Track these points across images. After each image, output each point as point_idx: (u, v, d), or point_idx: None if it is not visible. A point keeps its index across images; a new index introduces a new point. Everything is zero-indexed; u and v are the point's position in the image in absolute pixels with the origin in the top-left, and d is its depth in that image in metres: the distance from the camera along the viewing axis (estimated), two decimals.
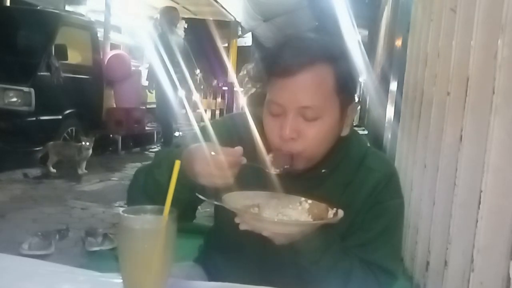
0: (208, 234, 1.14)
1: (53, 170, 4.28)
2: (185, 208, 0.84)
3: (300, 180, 0.91)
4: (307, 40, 0.89)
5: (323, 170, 0.92)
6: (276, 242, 0.81)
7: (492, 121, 1.22)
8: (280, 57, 0.85)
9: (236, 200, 0.83)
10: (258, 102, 0.98)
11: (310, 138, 0.85)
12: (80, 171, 4.34)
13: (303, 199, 0.87)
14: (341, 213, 0.80)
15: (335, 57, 0.86)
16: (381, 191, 0.93)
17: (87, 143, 4.29)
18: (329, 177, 0.93)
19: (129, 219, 0.66)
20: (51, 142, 4.29)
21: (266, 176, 0.88)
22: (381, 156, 1.01)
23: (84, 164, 4.39)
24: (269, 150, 0.90)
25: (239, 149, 0.80)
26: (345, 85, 0.87)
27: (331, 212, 0.82)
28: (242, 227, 0.79)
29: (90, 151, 4.36)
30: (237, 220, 0.79)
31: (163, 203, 0.67)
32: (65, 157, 4.37)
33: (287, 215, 0.84)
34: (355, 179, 0.93)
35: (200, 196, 0.81)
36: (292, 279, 0.91)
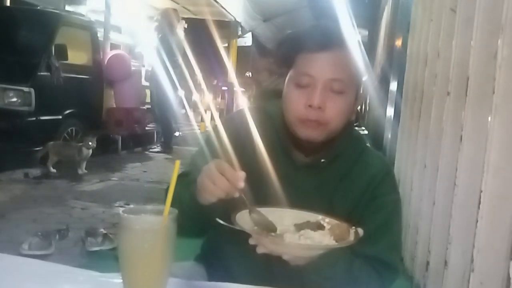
0: (210, 232, 1.15)
1: (53, 170, 4.28)
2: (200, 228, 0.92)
3: (300, 168, 0.96)
4: (334, 24, 0.99)
5: (322, 160, 0.96)
6: (293, 263, 0.80)
7: (492, 121, 1.22)
8: (314, 34, 0.95)
9: (248, 218, 0.80)
10: (269, 96, 1.03)
11: (334, 110, 0.91)
12: (80, 171, 4.34)
13: (320, 217, 0.84)
14: (361, 231, 0.79)
15: (355, 41, 0.94)
16: (377, 186, 0.96)
17: (90, 143, 4.29)
18: (327, 168, 0.97)
19: (129, 219, 0.66)
20: (51, 142, 4.28)
21: (266, 167, 0.93)
22: (377, 154, 1.06)
23: (84, 164, 4.38)
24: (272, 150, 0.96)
25: (241, 174, 0.80)
26: (360, 67, 0.94)
27: (352, 232, 0.79)
28: (260, 250, 0.77)
29: (91, 151, 4.36)
30: (252, 242, 0.78)
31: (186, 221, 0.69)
32: (65, 157, 4.37)
33: (310, 238, 0.79)
34: (351, 172, 0.97)
35: (221, 222, 0.81)
36: (294, 280, 0.91)
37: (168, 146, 6.11)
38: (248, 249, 0.87)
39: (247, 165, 0.93)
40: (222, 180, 0.79)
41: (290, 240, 0.78)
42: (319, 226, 0.82)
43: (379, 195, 0.96)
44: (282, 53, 0.98)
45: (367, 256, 0.91)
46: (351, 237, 0.78)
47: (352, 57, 0.92)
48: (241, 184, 0.79)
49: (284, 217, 0.84)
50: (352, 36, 0.94)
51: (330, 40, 0.91)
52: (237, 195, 0.80)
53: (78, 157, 4.32)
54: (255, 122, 1.00)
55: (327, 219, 0.83)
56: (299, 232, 0.81)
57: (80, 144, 4.38)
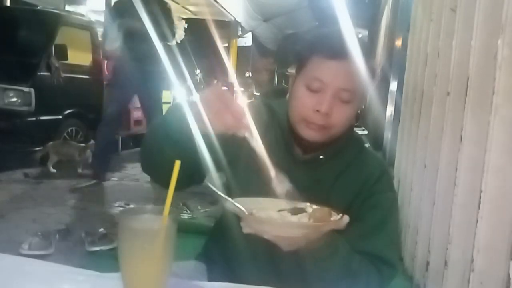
0: (213, 229, 1.15)
1: (53, 170, 4.28)
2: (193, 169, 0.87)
3: (300, 163, 0.99)
4: (349, 32, 0.98)
5: (321, 156, 0.99)
6: (283, 248, 0.81)
7: (492, 121, 1.22)
8: (332, 40, 0.95)
9: (242, 205, 0.81)
10: (274, 94, 1.04)
11: (339, 116, 0.93)
12: (80, 171, 4.34)
13: (308, 204, 0.86)
14: (346, 218, 0.80)
15: (368, 51, 0.97)
16: (374, 184, 0.98)
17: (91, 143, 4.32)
18: (325, 164, 1.00)
19: (129, 219, 0.66)
20: (51, 142, 4.29)
21: (264, 158, 0.93)
22: (375, 155, 1.10)
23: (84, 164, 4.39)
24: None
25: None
26: (369, 79, 0.95)
27: (335, 217, 0.80)
28: (246, 230, 0.79)
29: (84, 151, 4.37)
30: (242, 224, 0.80)
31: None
32: (66, 157, 4.37)
33: (287, 218, 0.82)
34: (349, 170, 1.00)
35: (209, 185, 0.81)
36: (296, 279, 0.91)
37: (99, 171, 4.05)
38: (249, 248, 0.87)
39: (248, 157, 0.95)
40: (225, 113, 0.77)
41: (266, 217, 0.80)
42: (299, 210, 0.84)
43: (375, 192, 0.98)
44: (294, 51, 1.00)
45: (365, 253, 0.92)
46: (332, 220, 0.79)
47: (364, 70, 0.93)
48: (246, 121, 0.78)
49: (275, 205, 0.86)
50: (365, 47, 0.96)
51: (347, 49, 0.92)
52: (241, 133, 0.79)
53: (79, 157, 4.33)
54: (259, 115, 1.01)
55: (315, 206, 0.84)
56: (279, 214, 0.83)
57: (81, 144, 4.38)
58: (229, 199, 0.80)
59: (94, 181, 3.95)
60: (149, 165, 0.97)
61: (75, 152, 4.35)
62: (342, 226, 0.80)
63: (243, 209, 0.79)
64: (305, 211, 0.83)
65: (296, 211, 0.84)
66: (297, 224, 0.80)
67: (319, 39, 0.97)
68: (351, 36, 0.95)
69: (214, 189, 0.81)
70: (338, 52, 0.91)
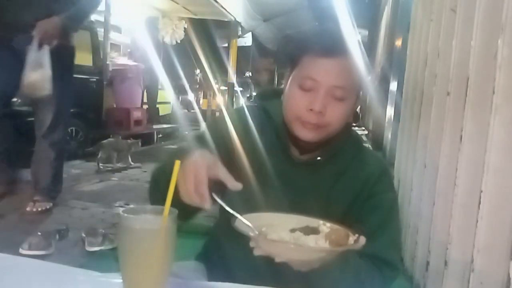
0: (213, 229, 1.15)
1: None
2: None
3: (298, 165, 0.98)
4: (342, 30, 0.98)
5: (318, 158, 0.98)
6: (294, 268, 0.78)
7: (492, 121, 1.22)
8: (323, 38, 0.95)
9: (250, 221, 0.78)
10: (269, 96, 1.09)
11: (333, 115, 0.92)
12: (130, 163, 4.81)
13: (321, 222, 0.81)
14: (362, 240, 0.75)
15: (360, 49, 0.95)
16: (374, 185, 0.97)
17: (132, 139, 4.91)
18: (323, 166, 0.98)
19: (129, 219, 0.66)
20: (106, 140, 4.63)
21: (264, 163, 0.94)
22: (374, 154, 1.09)
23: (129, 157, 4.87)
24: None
25: (238, 185, 0.77)
26: (363, 76, 0.95)
27: (351, 239, 0.76)
28: (257, 252, 0.75)
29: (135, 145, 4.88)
30: (251, 244, 0.76)
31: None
32: (119, 152, 4.76)
33: (301, 241, 0.77)
34: (348, 171, 0.99)
35: (217, 199, 0.78)
36: (297, 280, 0.91)
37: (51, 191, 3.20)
38: (250, 248, 0.87)
39: (245, 161, 0.95)
40: (191, 191, 0.73)
41: (282, 241, 0.75)
42: (313, 231, 0.79)
43: (376, 193, 0.97)
44: (287, 52, 0.99)
45: (367, 254, 0.92)
46: (350, 243, 0.75)
47: (357, 66, 0.92)
48: (208, 206, 0.73)
49: (286, 222, 0.81)
50: (358, 44, 0.95)
51: (338, 47, 0.92)
52: (207, 208, 0.74)
53: (128, 152, 4.81)
54: (254, 119, 1.01)
55: (328, 224, 0.80)
56: (292, 235, 0.78)
57: (129, 140, 4.86)
58: (239, 216, 0.77)
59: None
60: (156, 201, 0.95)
61: (126, 147, 4.74)
62: (359, 247, 0.75)
63: (253, 228, 0.75)
64: (319, 231, 0.79)
65: (309, 231, 0.79)
66: (314, 249, 0.75)
67: (309, 39, 0.97)
68: (341, 33, 0.95)
69: (223, 204, 0.79)
70: (328, 49, 0.91)
